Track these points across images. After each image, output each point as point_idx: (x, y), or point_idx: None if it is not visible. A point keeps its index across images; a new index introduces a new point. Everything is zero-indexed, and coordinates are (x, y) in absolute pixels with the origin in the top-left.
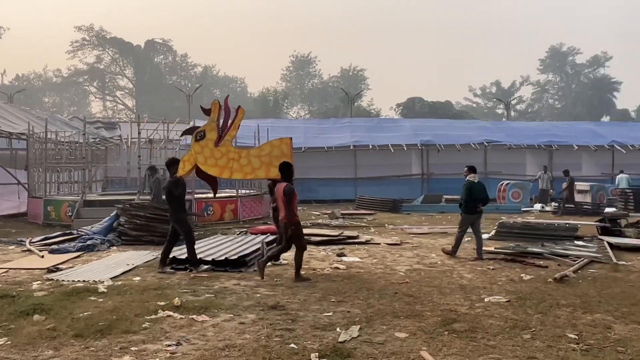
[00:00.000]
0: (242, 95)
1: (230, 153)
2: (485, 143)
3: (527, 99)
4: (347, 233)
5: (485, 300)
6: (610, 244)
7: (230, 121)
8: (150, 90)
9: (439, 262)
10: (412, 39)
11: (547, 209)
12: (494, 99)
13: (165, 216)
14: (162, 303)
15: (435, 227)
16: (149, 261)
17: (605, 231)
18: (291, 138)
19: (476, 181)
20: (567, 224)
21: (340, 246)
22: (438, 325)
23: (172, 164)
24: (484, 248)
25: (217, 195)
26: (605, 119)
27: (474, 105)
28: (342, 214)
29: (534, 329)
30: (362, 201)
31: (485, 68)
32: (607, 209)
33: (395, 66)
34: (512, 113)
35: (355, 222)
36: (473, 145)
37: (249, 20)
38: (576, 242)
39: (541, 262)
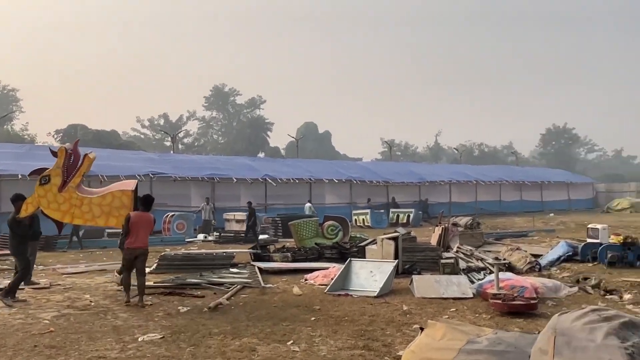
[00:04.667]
0: None
1: (72, 199)
2: (150, 175)
3: (193, 133)
4: None
5: (139, 339)
6: (260, 269)
7: (76, 168)
8: None
9: (93, 304)
10: (76, 63)
11: (210, 238)
12: (162, 132)
13: None
14: None
15: (94, 265)
16: None
17: (257, 257)
18: (132, 190)
19: None
20: (224, 252)
21: None
22: None
23: (17, 199)
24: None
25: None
26: (261, 155)
27: (142, 136)
28: None
29: None
30: (3, 239)
31: (155, 100)
32: (262, 236)
33: (58, 90)
34: (180, 146)
35: None
36: (138, 177)
37: None
38: (231, 269)
39: (199, 293)
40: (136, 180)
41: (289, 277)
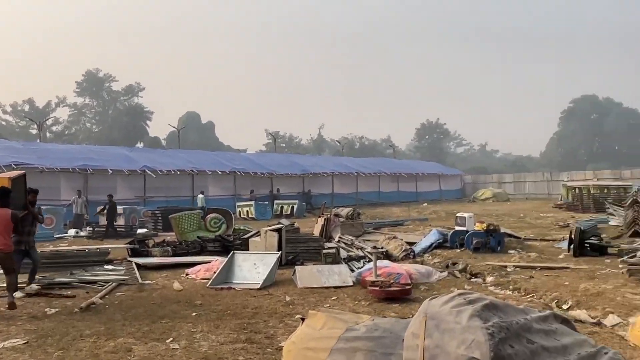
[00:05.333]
0: None
1: None
2: (13, 165)
3: (64, 121)
4: None
5: None
6: (138, 265)
7: None
8: None
9: None
10: None
11: (82, 233)
12: (27, 118)
13: None
14: None
15: None
16: None
17: (135, 252)
18: (10, 179)
19: None
20: (98, 248)
21: None
22: None
23: None
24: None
25: None
26: (140, 145)
27: (4, 123)
28: None
29: None
30: None
31: (18, 84)
32: (140, 230)
33: None
34: (48, 134)
35: None
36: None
37: None
38: (106, 266)
39: (69, 292)
40: (23, 171)
41: (170, 272)
